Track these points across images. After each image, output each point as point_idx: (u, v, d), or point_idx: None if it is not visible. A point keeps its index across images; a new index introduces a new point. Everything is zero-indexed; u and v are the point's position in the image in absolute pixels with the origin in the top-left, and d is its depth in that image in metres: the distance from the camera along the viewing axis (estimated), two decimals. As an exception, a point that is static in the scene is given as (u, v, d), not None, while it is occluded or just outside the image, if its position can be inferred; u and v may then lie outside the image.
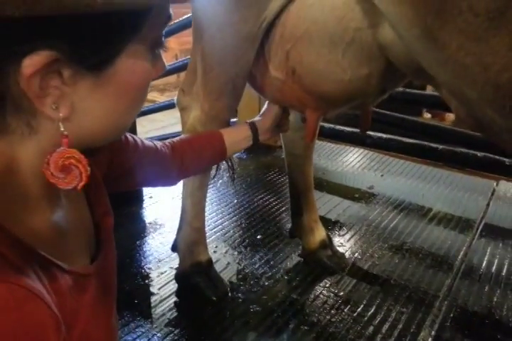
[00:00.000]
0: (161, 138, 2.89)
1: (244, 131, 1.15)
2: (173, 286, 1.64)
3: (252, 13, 1.07)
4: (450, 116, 3.81)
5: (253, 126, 1.16)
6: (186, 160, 1.01)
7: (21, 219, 0.49)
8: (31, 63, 0.39)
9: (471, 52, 0.74)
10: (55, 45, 0.40)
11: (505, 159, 2.28)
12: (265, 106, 1.28)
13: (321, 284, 1.67)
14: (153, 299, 1.59)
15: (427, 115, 4.12)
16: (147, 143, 0.93)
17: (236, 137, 1.14)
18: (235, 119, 2.77)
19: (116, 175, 0.82)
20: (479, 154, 2.33)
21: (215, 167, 1.50)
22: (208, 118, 1.31)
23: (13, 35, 0.38)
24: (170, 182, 1.08)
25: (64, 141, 0.46)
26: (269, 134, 1.22)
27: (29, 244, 0.47)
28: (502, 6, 0.67)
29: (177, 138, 1.06)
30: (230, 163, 1.49)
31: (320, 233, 1.77)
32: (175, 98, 1.46)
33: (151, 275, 1.72)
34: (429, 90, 2.55)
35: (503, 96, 0.74)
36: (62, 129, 0.45)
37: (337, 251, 1.82)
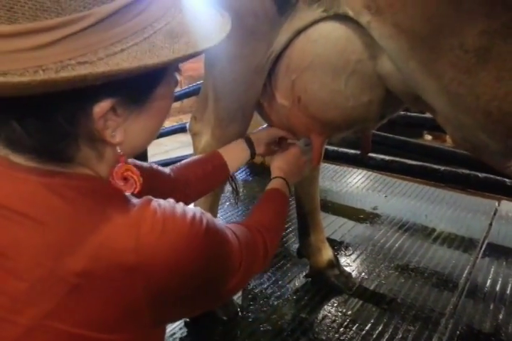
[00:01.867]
0: (166, 163, 2.96)
1: (240, 146, 1.21)
2: (184, 306, 1.67)
3: (262, 46, 1.15)
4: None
5: (248, 140, 1.21)
6: (190, 182, 1.05)
7: None
8: (100, 110, 0.52)
9: (463, 84, 0.82)
10: (116, 95, 0.53)
11: (506, 179, 2.33)
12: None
13: (329, 303, 1.71)
14: (164, 319, 1.62)
15: (428, 137, 4.19)
16: (139, 163, 0.96)
17: (234, 153, 1.18)
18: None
19: None
20: (480, 175, 2.38)
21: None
22: (219, 144, 1.38)
23: (89, 91, 0.50)
24: None
25: (121, 159, 0.61)
26: (264, 149, 1.25)
27: None
28: (487, 44, 0.75)
29: (177, 164, 1.11)
30: (233, 186, 1.54)
31: (327, 253, 1.82)
32: (185, 124, 1.54)
33: (162, 295, 1.75)
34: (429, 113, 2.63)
35: (494, 122, 0.81)
36: (119, 151, 0.60)
37: (344, 270, 1.85)
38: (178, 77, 0.66)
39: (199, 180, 1.08)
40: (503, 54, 0.73)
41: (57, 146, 0.54)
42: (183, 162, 1.11)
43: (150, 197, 0.60)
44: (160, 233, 0.54)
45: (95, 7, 0.46)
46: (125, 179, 0.62)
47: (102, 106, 0.52)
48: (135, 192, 0.62)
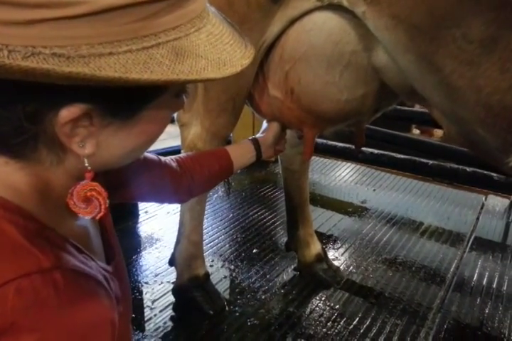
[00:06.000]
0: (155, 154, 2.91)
1: (248, 148, 1.15)
2: (170, 300, 1.65)
3: (253, 35, 1.11)
4: (438, 132, 3.90)
5: (256, 143, 1.16)
6: (196, 178, 1.01)
7: (58, 223, 0.54)
8: (68, 114, 0.44)
9: (463, 76, 0.79)
10: (90, 100, 0.45)
11: (493, 174, 2.35)
12: (264, 123, 1.32)
13: (317, 297, 1.70)
14: (150, 313, 1.60)
15: (416, 131, 4.21)
16: (147, 154, 0.91)
17: (240, 154, 1.13)
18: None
19: (111, 185, 0.78)
20: (468, 169, 2.40)
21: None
22: (208, 135, 1.35)
23: (56, 91, 0.43)
24: (178, 198, 1.06)
25: (88, 175, 0.51)
26: (271, 151, 1.22)
27: (73, 242, 0.53)
28: (494, 34, 0.72)
29: (183, 155, 1.06)
30: (226, 179, 1.51)
31: (315, 246, 1.80)
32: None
33: (147, 289, 1.73)
34: (418, 107, 2.64)
35: (494, 116, 0.79)
36: (86, 164, 0.50)
37: (332, 264, 1.85)
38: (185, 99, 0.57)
39: (204, 179, 1.03)
40: (511, 44, 0.71)
41: (11, 141, 0.47)
42: (191, 156, 1.05)
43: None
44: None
45: None
46: (88, 200, 0.52)
47: (71, 111, 0.44)
48: (97, 217, 0.52)
